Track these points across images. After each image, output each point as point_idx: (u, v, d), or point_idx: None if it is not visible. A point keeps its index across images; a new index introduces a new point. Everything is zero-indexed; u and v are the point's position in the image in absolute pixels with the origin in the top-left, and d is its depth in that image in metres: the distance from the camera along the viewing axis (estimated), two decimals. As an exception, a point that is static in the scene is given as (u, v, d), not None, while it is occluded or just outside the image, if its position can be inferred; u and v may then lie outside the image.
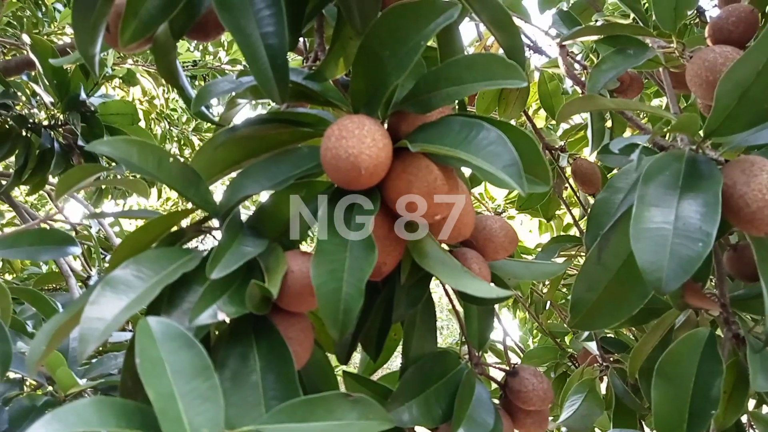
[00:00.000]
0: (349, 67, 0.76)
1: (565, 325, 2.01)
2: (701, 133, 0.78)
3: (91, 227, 2.30)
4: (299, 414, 0.51)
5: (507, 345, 1.66)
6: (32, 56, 1.78)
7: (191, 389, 0.43)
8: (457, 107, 0.81)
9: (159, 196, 4.32)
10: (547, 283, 2.14)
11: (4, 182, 2.03)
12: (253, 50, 0.63)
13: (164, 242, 0.67)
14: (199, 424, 0.41)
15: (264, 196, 0.69)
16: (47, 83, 1.86)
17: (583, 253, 1.73)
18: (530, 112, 2.07)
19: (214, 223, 0.72)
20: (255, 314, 0.60)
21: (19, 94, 1.98)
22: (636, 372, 1.09)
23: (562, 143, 1.73)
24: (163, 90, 3.69)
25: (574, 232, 2.10)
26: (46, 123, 1.98)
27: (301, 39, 0.91)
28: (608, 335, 1.61)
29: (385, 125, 0.69)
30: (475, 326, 0.91)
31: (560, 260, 1.77)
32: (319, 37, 0.83)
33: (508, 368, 0.90)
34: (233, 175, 0.73)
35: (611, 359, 1.47)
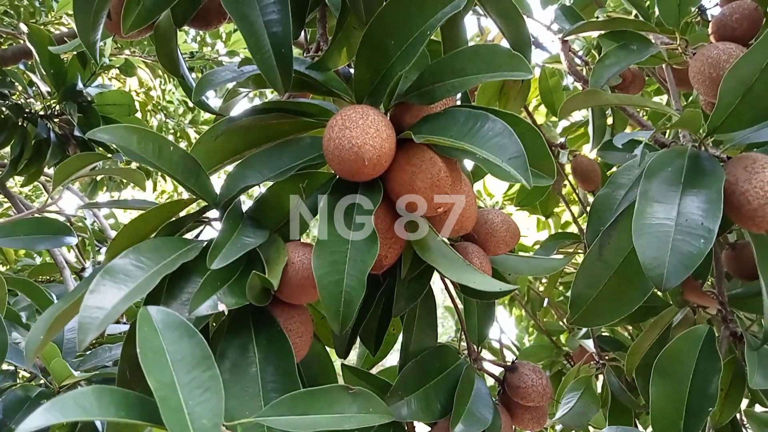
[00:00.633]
0: (352, 57, 0.75)
1: (563, 322, 2.02)
2: (704, 129, 0.77)
3: (85, 218, 2.29)
4: (300, 406, 0.51)
5: (503, 343, 1.67)
6: (29, 45, 1.77)
7: (192, 379, 0.42)
8: (460, 99, 0.81)
9: (154, 189, 4.30)
10: (543, 280, 2.14)
11: (-1, 172, 2.01)
12: (256, 38, 0.62)
13: (163, 232, 0.66)
14: (199, 414, 0.41)
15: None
16: (44, 73, 1.84)
17: (581, 251, 1.73)
18: (531, 109, 2.06)
19: (213, 213, 0.72)
20: (254, 306, 0.60)
21: (16, 83, 1.96)
22: (633, 369, 1.09)
23: (562, 140, 1.72)
24: (160, 81, 3.67)
25: (572, 229, 2.10)
26: (42, 113, 1.96)
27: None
28: (604, 333, 1.61)
29: (389, 116, 0.68)
30: (474, 321, 0.91)
31: (559, 257, 1.77)
32: (321, 27, 0.82)
33: (506, 364, 0.89)
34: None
35: (607, 357, 1.47)
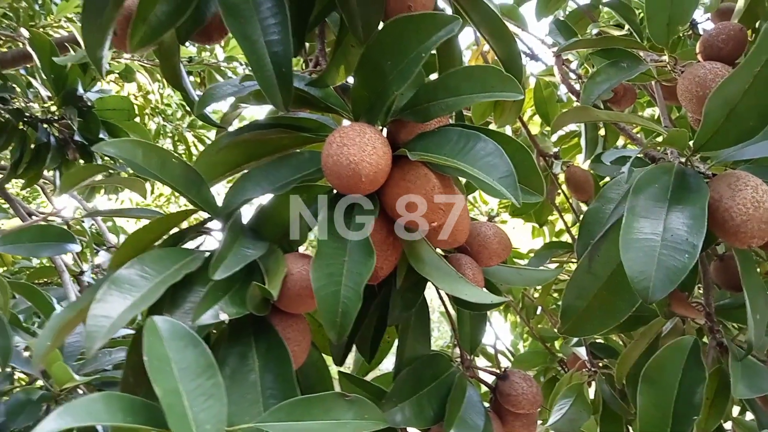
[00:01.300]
0: (350, 74, 0.78)
1: (555, 330, 2.04)
2: (690, 146, 0.80)
3: (83, 222, 2.30)
4: (297, 413, 0.53)
5: (498, 348, 1.69)
6: (30, 50, 1.78)
7: (196, 386, 0.44)
8: (454, 117, 0.83)
9: (152, 192, 4.31)
10: (538, 287, 2.16)
11: (-1, 176, 2.03)
12: (258, 57, 0.64)
13: (167, 242, 0.68)
14: (203, 420, 0.43)
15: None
16: (45, 77, 1.86)
17: (574, 260, 1.76)
18: (525, 118, 2.09)
19: (214, 224, 0.74)
20: (254, 315, 0.62)
21: (16, 87, 1.97)
22: (623, 377, 1.12)
23: (556, 150, 1.75)
24: (159, 86, 3.68)
25: (566, 237, 2.13)
26: (42, 117, 1.97)
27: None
28: (597, 341, 1.63)
29: (384, 132, 0.70)
30: (467, 330, 0.93)
31: (552, 266, 1.79)
32: (320, 43, 0.84)
33: (498, 372, 0.92)
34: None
35: (600, 365, 1.50)
